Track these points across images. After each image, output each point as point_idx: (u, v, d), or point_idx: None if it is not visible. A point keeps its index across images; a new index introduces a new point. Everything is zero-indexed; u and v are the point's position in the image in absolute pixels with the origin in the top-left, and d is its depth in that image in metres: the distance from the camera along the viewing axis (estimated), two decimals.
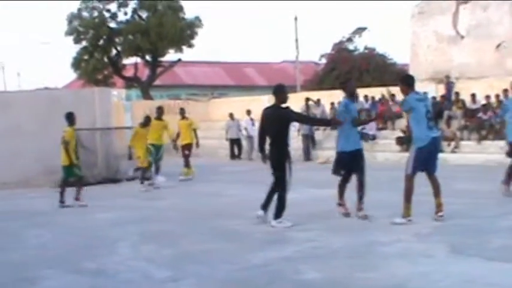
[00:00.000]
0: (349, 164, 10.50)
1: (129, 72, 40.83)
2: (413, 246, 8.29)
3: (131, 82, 42.01)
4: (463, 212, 10.67)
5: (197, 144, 19.64)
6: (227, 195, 14.84)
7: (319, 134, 26.12)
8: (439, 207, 9.86)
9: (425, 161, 9.75)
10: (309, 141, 25.49)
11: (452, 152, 21.25)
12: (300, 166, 22.29)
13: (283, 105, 10.19)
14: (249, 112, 27.27)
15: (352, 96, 10.86)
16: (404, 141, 22.28)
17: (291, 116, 10.27)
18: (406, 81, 10.28)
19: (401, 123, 24.03)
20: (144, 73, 41.56)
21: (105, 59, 39.81)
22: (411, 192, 9.77)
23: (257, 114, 31.06)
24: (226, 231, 10.05)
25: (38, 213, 13.24)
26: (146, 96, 39.99)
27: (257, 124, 25.92)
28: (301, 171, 19.76)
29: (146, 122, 17.42)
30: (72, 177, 14.00)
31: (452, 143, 21.64)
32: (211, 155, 28.45)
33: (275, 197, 10.24)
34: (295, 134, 25.58)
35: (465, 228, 9.30)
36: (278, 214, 10.11)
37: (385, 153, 22.73)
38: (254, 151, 26.21)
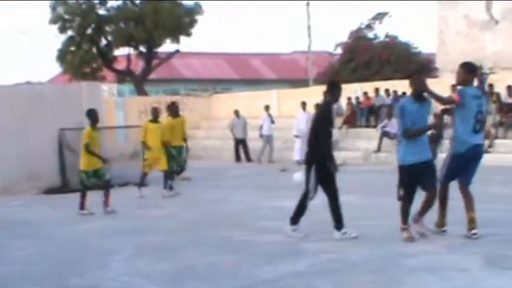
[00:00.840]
0: (415, 180, 9.45)
1: (121, 65, 40.84)
2: (443, 259, 8.28)
3: (123, 76, 42.05)
4: (498, 219, 10.65)
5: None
6: (232, 202, 14.86)
7: (336, 132, 26.03)
8: (471, 223, 9.32)
9: (460, 169, 9.44)
10: None
11: (486, 152, 21.16)
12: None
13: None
14: (267, 108, 27.00)
15: (418, 94, 9.55)
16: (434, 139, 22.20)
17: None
18: (472, 69, 9.65)
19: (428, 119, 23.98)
20: (138, 66, 41.58)
21: (94, 50, 39.84)
22: (444, 199, 9.61)
23: (263, 112, 31.15)
24: (231, 242, 10.07)
25: (20, 223, 13.26)
26: (140, 91, 40.01)
27: (274, 121, 26.01)
28: None
29: (155, 115, 17.05)
30: (100, 182, 14.20)
31: (486, 142, 21.57)
32: (214, 158, 28.50)
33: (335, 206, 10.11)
34: None
35: (501, 238, 9.28)
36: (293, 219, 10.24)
37: None
38: (272, 153, 26.10)
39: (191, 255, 9.28)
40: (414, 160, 9.34)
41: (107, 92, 39.75)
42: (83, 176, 14.09)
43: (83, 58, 39.01)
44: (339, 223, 9.90)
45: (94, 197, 14.09)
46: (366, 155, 24.05)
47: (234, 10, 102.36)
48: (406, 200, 9.47)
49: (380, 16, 42.62)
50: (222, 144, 29.44)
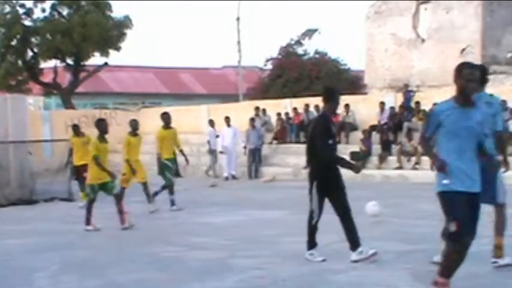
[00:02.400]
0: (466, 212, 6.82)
1: (47, 78, 40.23)
2: (372, 275, 8.35)
3: (50, 89, 41.40)
4: (426, 235, 10.80)
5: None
6: (160, 218, 14.78)
7: (265, 148, 26.13)
8: (497, 249, 8.46)
9: None
10: (256, 157, 25.30)
11: (414, 168, 21.56)
12: (244, 185, 22.34)
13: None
14: (211, 122, 26.70)
15: (465, 97, 6.98)
16: (360, 158, 22.53)
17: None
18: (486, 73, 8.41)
19: (357, 136, 24.31)
20: (65, 79, 41.04)
21: (20, 62, 39.17)
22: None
23: (194, 126, 30.95)
24: (159, 259, 9.98)
25: None
26: (68, 104, 39.48)
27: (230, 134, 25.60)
28: (244, 190, 19.84)
29: (135, 128, 16.30)
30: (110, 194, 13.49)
31: (413, 159, 21.96)
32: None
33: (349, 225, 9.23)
34: (241, 149, 25.62)
35: (429, 255, 9.41)
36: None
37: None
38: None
39: (118, 271, 9.17)
40: (462, 187, 6.78)
41: (32, 105, 39.14)
42: (88, 189, 13.42)
43: (8, 70, 38.27)
44: (353, 243, 9.07)
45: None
46: (296, 171, 24.18)
47: (164, 24, 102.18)
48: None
49: (310, 32, 43.03)
50: (150, 159, 29.15)
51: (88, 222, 13.24)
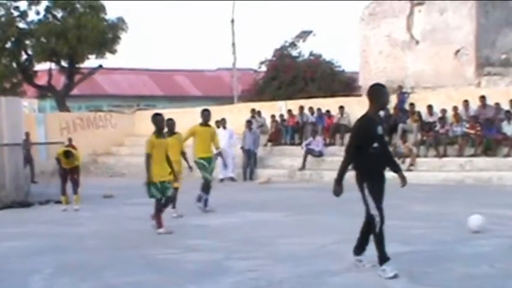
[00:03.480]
0: None
1: (42, 80, 40.16)
2: (367, 276, 8.34)
3: (45, 91, 41.34)
4: (421, 237, 10.83)
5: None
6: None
7: (260, 149, 26.12)
8: None
9: None
10: (252, 159, 25.27)
11: (408, 170, 21.53)
12: (239, 186, 22.34)
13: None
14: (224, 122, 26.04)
15: None
16: None
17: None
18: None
19: None
20: (60, 81, 40.98)
21: (14, 65, 39.10)
22: None
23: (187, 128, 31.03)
24: (154, 261, 9.96)
25: None
26: (62, 107, 39.40)
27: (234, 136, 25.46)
28: (239, 192, 19.83)
29: (171, 128, 15.03)
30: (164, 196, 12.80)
31: (408, 160, 21.98)
32: (138, 175, 28.15)
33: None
34: (239, 151, 25.56)
35: (424, 256, 9.43)
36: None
37: (332, 171, 22.73)
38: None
39: (114, 274, 9.14)
40: None
41: (27, 108, 39.07)
42: (152, 189, 12.68)
43: (3, 73, 38.19)
44: (380, 259, 8.35)
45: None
46: (291, 173, 24.20)
47: (158, 26, 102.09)
48: None
49: (304, 34, 43.05)
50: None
51: (160, 225, 12.60)
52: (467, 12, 29.02)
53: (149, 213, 13.10)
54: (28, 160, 24.27)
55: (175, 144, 14.69)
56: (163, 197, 12.72)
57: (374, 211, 8.29)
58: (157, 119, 12.85)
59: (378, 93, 8.60)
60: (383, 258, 8.27)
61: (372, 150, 8.35)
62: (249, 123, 26.04)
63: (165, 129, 14.05)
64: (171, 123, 15.09)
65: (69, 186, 17.57)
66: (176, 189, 14.57)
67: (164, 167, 12.75)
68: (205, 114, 15.99)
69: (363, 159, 8.34)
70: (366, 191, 8.34)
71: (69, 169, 17.49)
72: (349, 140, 8.62)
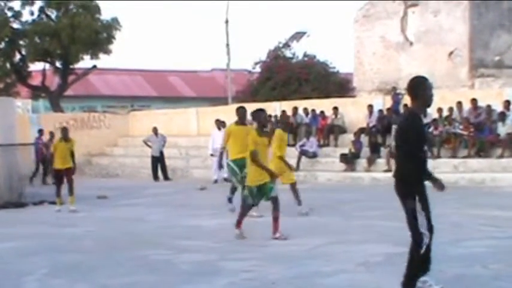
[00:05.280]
0: None
1: (36, 81, 40.12)
2: (360, 278, 8.38)
3: (38, 92, 41.29)
4: None
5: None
6: (149, 221, 14.73)
7: None
8: None
9: None
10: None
11: None
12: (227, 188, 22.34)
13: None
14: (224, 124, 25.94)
15: None
16: (349, 159, 22.60)
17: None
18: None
19: (346, 138, 24.38)
20: (54, 82, 40.94)
21: (8, 65, 39.03)
22: None
23: (183, 129, 30.94)
24: (148, 262, 9.98)
25: None
26: (56, 108, 39.35)
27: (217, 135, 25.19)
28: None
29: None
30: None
31: None
32: (132, 176, 28.21)
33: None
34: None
35: None
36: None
37: (327, 172, 22.87)
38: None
39: (108, 275, 9.15)
40: None
41: (21, 109, 39.01)
42: (246, 192, 11.63)
43: None
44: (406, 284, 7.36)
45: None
46: None
47: (152, 26, 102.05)
48: None
49: (298, 35, 43.08)
50: (139, 162, 29.20)
51: (239, 224, 11.64)
52: (460, 14, 29.12)
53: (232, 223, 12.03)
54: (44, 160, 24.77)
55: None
56: (266, 200, 11.56)
57: (424, 230, 7.12)
58: (259, 114, 11.73)
59: (422, 87, 7.28)
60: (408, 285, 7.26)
61: (422, 154, 7.21)
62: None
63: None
64: (243, 112, 14.45)
65: (64, 187, 17.52)
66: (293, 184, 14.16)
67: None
68: (241, 112, 14.61)
69: (414, 166, 7.13)
70: (419, 207, 7.10)
71: (64, 170, 17.42)
72: (404, 144, 7.24)
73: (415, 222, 7.12)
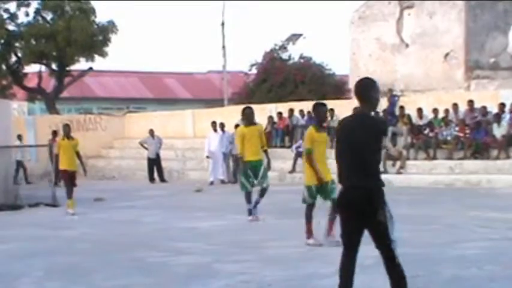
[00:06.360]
0: None
1: (31, 83, 40.10)
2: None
3: (34, 94, 41.26)
4: (409, 240, 10.83)
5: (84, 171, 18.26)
6: (145, 223, 14.72)
7: None
8: None
9: None
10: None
11: (398, 172, 21.62)
12: (228, 189, 22.34)
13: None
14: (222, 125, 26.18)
15: None
16: None
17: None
18: None
19: None
20: (50, 83, 40.91)
21: (4, 67, 38.98)
22: None
23: (179, 131, 30.95)
24: (144, 264, 9.96)
25: None
26: (52, 110, 39.33)
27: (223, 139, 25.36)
28: (229, 195, 19.83)
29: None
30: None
31: (398, 163, 22.02)
32: (128, 178, 28.20)
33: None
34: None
35: (412, 258, 9.43)
36: None
37: None
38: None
39: (103, 277, 9.14)
40: None
41: (16, 111, 38.94)
42: (305, 193, 10.91)
43: None
44: None
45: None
46: (281, 176, 24.19)
47: (148, 28, 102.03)
48: None
49: (294, 37, 43.07)
50: (135, 164, 29.19)
51: (309, 234, 10.85)
52: (456, 16, 29.14)
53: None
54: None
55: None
56: (326, 199, 10.94)
57: (397, 233, 6.72)
58: (320, 109, 11.10)
59: (373, 89, 6.95)
60: None
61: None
62: (237, 127, 26.00)
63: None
64: (249, 112, 14.19)
65: (62, 189, 17.47)
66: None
67: (324, 165, 10.91)
68: (248, 113, 14.26)
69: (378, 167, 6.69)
70: (388, 210, 6.67)
71: (71, 172, 17.21)
72: (374, 143, 6.61)
73: (385, 229, 6.91)
